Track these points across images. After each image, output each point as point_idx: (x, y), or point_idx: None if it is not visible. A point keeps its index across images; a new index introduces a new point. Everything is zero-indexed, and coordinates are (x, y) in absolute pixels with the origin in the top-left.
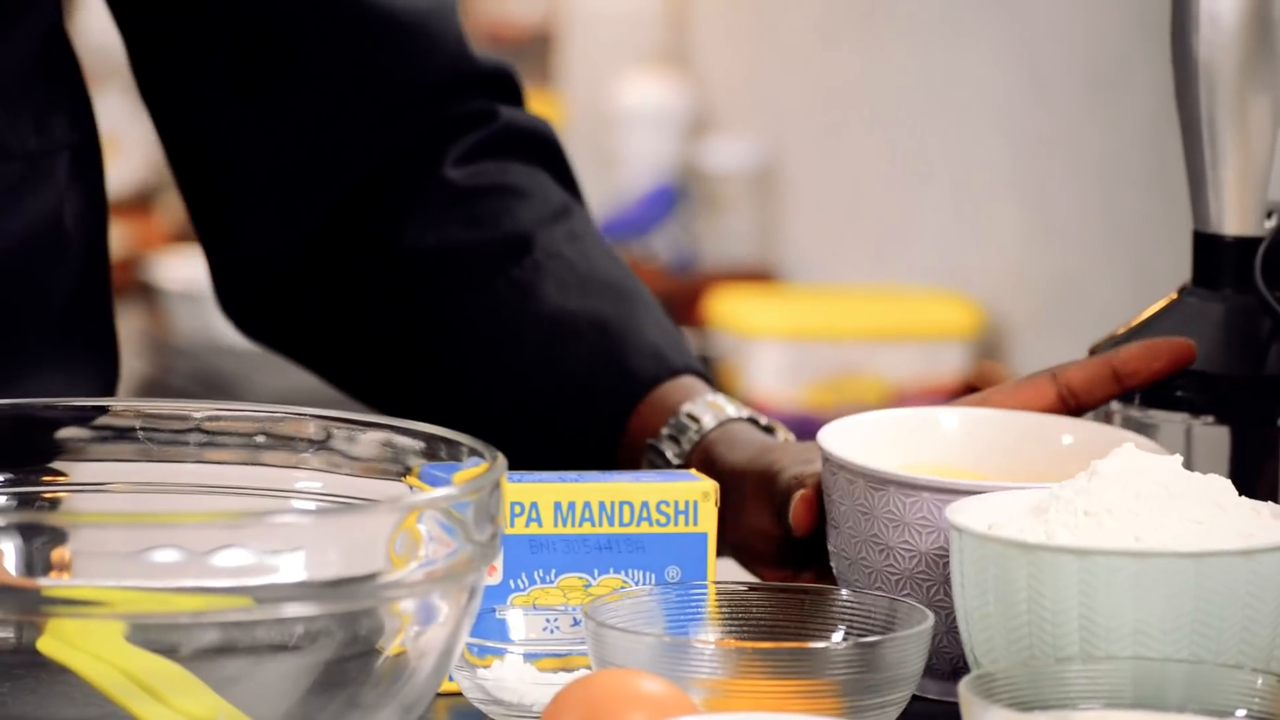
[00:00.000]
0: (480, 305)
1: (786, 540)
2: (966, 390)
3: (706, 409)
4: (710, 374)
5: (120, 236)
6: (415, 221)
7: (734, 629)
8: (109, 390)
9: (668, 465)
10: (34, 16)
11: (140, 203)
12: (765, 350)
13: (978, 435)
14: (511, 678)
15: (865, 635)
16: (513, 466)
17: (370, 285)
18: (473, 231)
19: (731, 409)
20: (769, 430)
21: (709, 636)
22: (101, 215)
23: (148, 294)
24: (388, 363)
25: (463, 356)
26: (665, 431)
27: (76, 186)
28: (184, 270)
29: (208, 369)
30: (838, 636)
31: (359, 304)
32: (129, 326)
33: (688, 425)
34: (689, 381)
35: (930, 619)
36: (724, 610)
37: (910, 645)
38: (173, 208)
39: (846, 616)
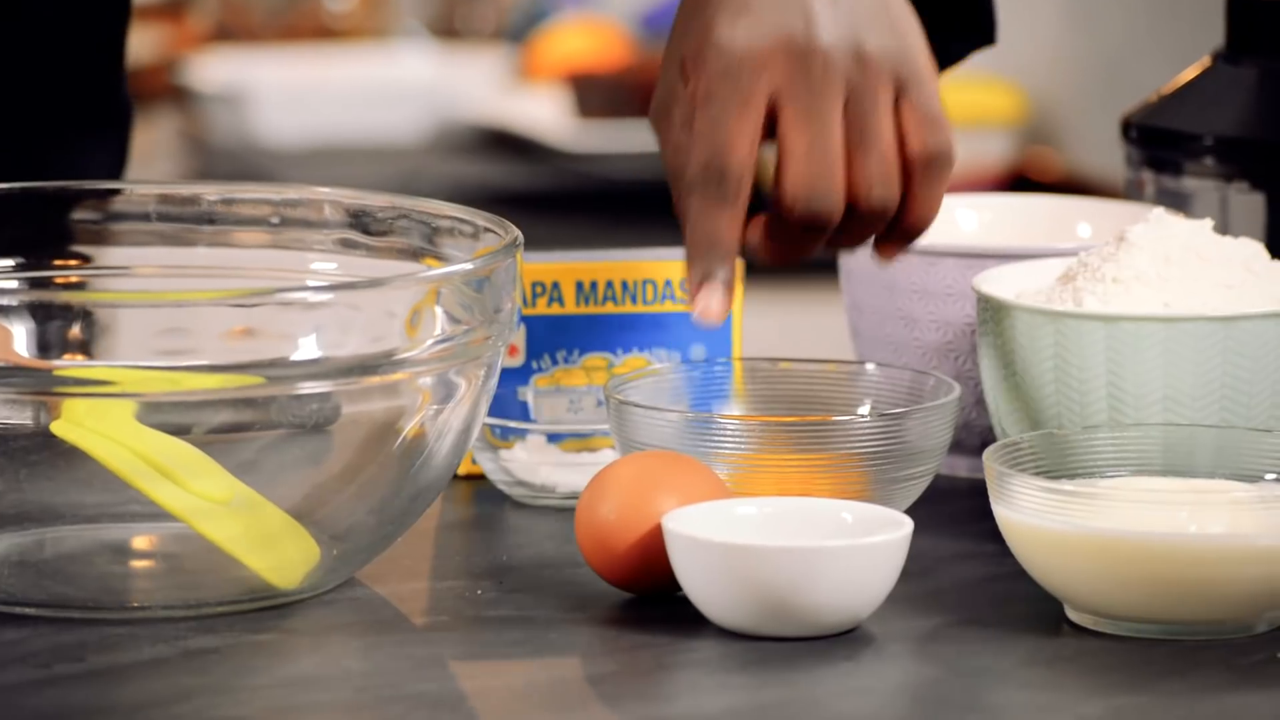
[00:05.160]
0: None
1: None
2: (1015, 177)
3: None
4: None
5: (153, 40)
6: None
7: (758, 406)
8: (119, 162)
9: None
10: None
11: (173, 6)
12: None
13: (998, 226)
14: (535, 459)
15: (892, 409)
16: None
17: None
18: None
19: None
20: None
21: (733, 413)
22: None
23: (183, 97)
24: None
25: None
26: None
27: None
28: (220, 71)
29: (246, 170)
30: (864, 410)
31: None
32: (165, 130)
33: None
34: None
35: (957, 391)
36: (748, 387)
37: (936, 417)
38: (206, 9)
39: (873, 391)
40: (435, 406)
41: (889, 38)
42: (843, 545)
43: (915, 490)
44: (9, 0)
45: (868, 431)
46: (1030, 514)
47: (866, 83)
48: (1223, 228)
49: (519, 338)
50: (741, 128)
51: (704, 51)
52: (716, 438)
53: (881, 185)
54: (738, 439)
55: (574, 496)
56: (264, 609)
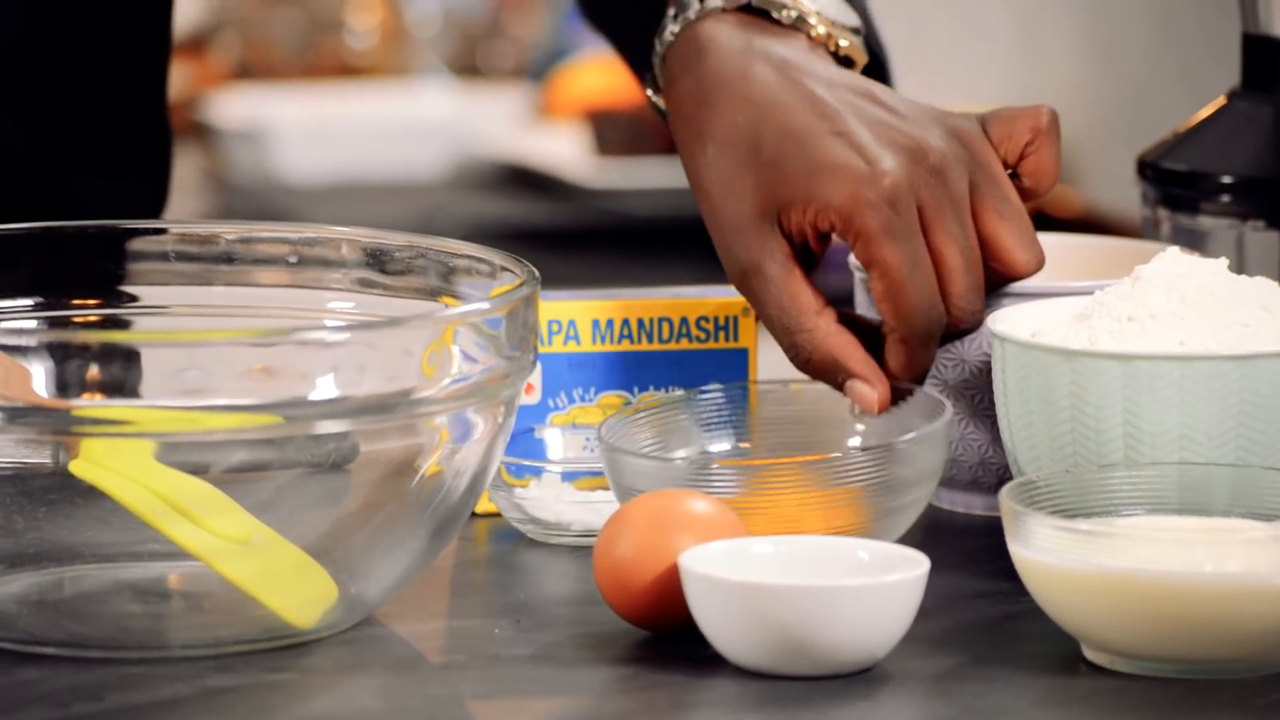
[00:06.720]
0: None
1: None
2: (1034, 214)
3: None
4: None
5: (174, 77)
6: None
7: (768, 428)
8: (160, 196)
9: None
10: None
11: (195, 43)
12: None
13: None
14: (549, 497)
15: (887, 432)
16: None
17: None
18: None
19: None
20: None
21: (727, 445)
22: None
23: (204, 134)
24: None
25: None
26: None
27: None
28: (241, 109)
29: (267, 207)
30: (854, 441)
31: None
32: (186, 167)
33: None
34: None
35: (948, 412)
36: (756, 411)
37: (924, 445)
38: (228, 47)
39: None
40: (452, 445)
41: (935, 118)
42: (859, 584)
43: (910, 516)
44: (52, 32)
45: (856, 463)
46: (1047, 553)
47: (978, 156)
48: (1238, 266)
49: (535, 376)
50: (927, 257)
51: (839, 191)
52: (702, 481)
53: (1032, 242)
54: (727, 482)
55: (588, 534)
56: (282, 648)
